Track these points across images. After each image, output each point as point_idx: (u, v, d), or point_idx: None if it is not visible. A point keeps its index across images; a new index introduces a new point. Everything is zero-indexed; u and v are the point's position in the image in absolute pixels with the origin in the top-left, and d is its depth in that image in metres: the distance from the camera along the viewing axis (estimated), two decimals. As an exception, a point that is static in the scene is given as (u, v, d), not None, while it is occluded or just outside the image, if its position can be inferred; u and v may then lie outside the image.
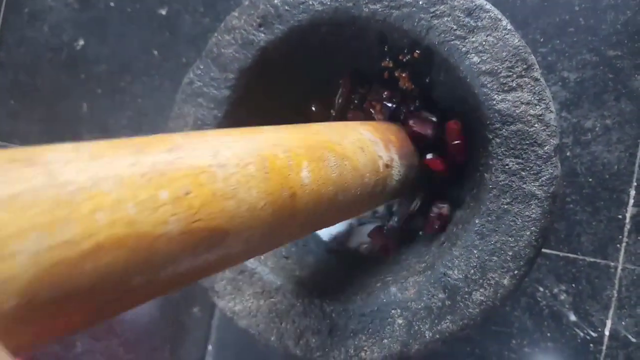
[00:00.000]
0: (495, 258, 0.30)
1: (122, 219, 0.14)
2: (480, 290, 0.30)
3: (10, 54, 0.64)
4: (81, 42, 0.61)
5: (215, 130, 0.21)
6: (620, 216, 0.43)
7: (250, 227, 0.19)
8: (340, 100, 0.41)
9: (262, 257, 0.36)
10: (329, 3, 0.34)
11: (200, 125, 0.37)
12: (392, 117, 0.39)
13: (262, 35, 0.36)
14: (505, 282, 0.30)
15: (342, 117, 0.41)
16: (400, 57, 0.36)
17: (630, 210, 0.43)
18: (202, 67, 0.37)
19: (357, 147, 0.28)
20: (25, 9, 0.63)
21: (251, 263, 0.35)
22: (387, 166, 0.31)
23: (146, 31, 0.58)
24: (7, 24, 0.64)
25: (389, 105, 0.39)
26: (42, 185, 0.13)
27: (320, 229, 0.31)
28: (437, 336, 0.30)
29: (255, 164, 0.20)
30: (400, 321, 0.31)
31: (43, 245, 0.12)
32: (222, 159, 0.18)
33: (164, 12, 0.57)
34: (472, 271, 0.30)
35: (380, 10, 0.34)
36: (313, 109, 0.41)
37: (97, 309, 0.15)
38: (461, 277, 0.30)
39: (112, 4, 0.59)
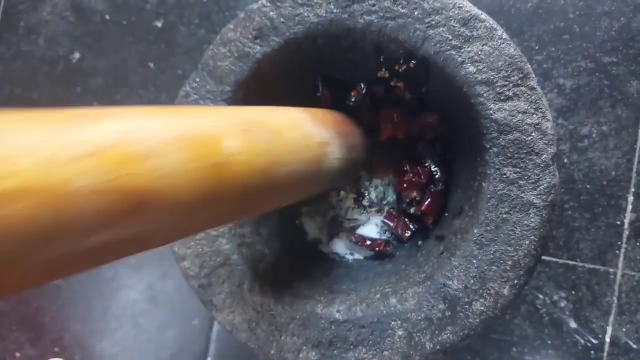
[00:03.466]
0: (494, 268, 0.30)
1: (36, 166, 0.14)
2: (480, 300, 0.30)
3: (6, 68, 0.64)
4: (77, 55, 0.61)
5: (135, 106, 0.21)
6: (618, 222, 0.43)
7: (171, 194, 0.18)
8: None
9: (261, 269, 0.35)
10: (324, 15, 0.35)
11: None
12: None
13: (258, 47, 0.36)
14: (505, 291, 0.30)
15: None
16: (397, 68, 0.36)
17: (628, 216, 0.43)
18: (198, 79, 0.37)
19: (286, 123, 0.28)
20: (21, 23, 0.63)
21: (249, 276, 0.35)
22: (321, 144, 0.30)
23: (142, 44, 0.58)
24: (3, 38, 0.64)
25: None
26: None
27: (262, 209, 0.31)
28: (438, 347, 0.30)
29: (174, 130, 0.19)
30: (400, 332, 0.31)
31: None
32: (136, 124, 0.18)
33: (159, 24, 0.57)
34: (472, 281, 0.30)
35: (375, 21, 0.34)
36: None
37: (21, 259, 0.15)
38: (461, 287, 0.30)
39: (107, 16, 0.59)
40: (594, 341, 0.43)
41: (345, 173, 0.34)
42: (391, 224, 0.41)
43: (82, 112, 0.17)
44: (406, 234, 0.40)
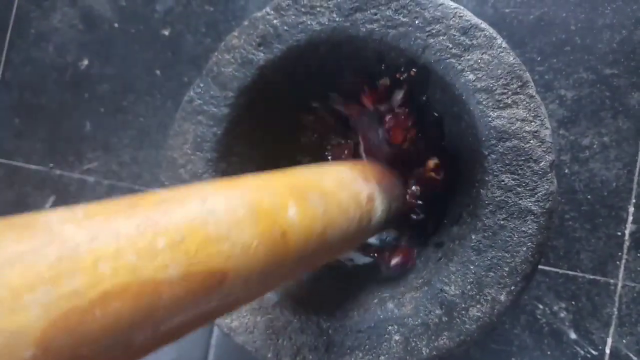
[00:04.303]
0: (491, 274, 0.30)
1: (124, 267, 0.15)
2: (477, 306, 0.30)
3: (15, 74, 0.65)
4: (85, 62, 0.62)
5: (199, 182, 0.22)
6: (619, 233, 0.43)
7: (247, 268, 0.20)
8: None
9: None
10: (326, 23, 0.35)
11: (199, 142, 0.37)
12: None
13: (262, 54, 0.37)
14: (502, 298, 0.30)
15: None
16: (398, 76, 0.36)
17: (629, 227, 0.43)
18: (202, 85, 0.38)
19: (336, 183, 0.29)
20: (32, 30, 0.64)
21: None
22: (369, 199, 0.31)
23: (149, 51, 0.59)
24: (14, 44, 0.65)
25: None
26: (43, 244, 0.14)
27: (313, 268, 0.32)
28: (434, 352, 0.30)
29: (243, 206, 0.21)
30: (397, 337, 0.31)
31: (52, 296, 0.13)
32: (210, 206, 0.19)
33: (166, 32, 0.58)
34: (469, 287, 0.30)
35: (377, 29, 0.34)
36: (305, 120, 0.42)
37: (112, 353, 0.15)
38: (458, 293, 0.30)
39: (116, 25, 0.60)
40: (594, 352, 0.42)
41: (387, 222, 0.35)
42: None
43: (162, 198, 0.19)
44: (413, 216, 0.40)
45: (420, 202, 0.40)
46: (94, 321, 0.14)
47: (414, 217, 0.40)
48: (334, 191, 0.28)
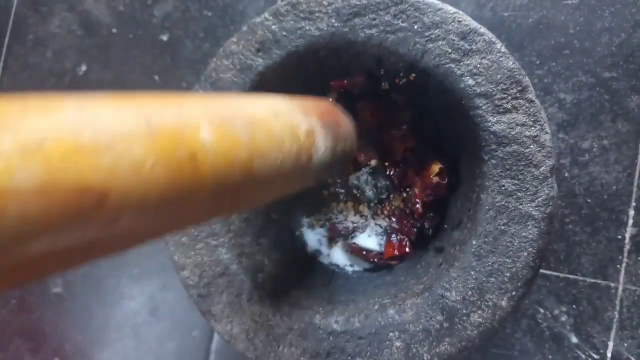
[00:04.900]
0: (492, 279, 0.30)
1: None
2: (478, 312, 0.30)
3: (14, 80, 0.65)
4: (84, 68, 0.62)
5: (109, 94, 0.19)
6: (619, 236, 0.43)
7: (138, 190, 0.17)
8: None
9: (260, 280, 0.36)
10: (325, 28, 0.35)
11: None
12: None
13: (260, 60, 0.36)
14: (503, 303, 0.30)
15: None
16: (397, 81, 0.36)
17: (629, 231, 0.43)
18: (200, 91, 0.38)
19: (268, 112, 0.26)
20: (30, 36, 0.64)
21: (248, 286, 0.35)
22: (309, 134, 0.29)
23: (148, 56, 0.59)
24: (12, 50, 0.65)
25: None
26: None
27: (243, 206, 0.29)
28: (436, 359, 0.30)
29: (136, 119, 0.17)
30: (398, 344, 0.31)
31: None
32: (88, 114, 0.16)
33: (165, 38, 0.58)
34: (470, 293, 0.30)
35: (375, 34, 0.34)
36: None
37: None
38: (459, 298, 0.30)
39: (114, 30, 0.60)
40: (595, 356, 0.42)
41: (334, 165, 0.32)
42: (396, 226, 0.41)
43: (35, 102, 0.16)
44: (413, 232, 0.40)
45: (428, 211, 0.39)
46: None
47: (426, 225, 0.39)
48: (263, 119, 0.25)
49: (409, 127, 0.40)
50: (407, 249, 0.39)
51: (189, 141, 0.19)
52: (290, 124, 0.27)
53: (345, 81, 0.39)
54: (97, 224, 0.16)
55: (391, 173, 0.41)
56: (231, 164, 0.21)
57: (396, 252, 0.39)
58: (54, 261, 0.16)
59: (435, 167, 0.38)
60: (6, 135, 0.14)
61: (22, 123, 0.14)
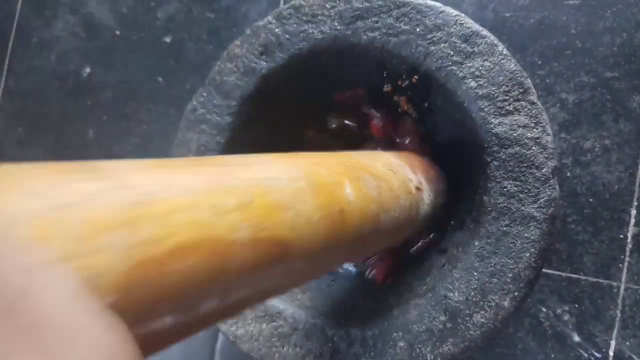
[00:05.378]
0: (495, 280, 0.30)
1: (199, 221, 0.14)
2: (481, 312, 0.30)
3: (18, 82, 0.65)
4: (87, 70, 0.62)
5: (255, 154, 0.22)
6: (621, 236, 0.43)
7: (309, 240, 0.19)
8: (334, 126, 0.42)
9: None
10: (328, 31, 0.35)
11: (203, 151, 0.38)
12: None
13: (264, 63, 0.37)
14: (506, 304, 0.30)
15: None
16: (399, 83, 0.37)
17: (631, 230, 0.43)
18: (205, 94, 0.38)
19: (387, 169, 0.29)
20: (34, 39, 0.64)
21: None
22: (417, 188, 0.31)
23: (151, 59, 0.59)
24: (16, 53, 0.65)
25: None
26: (112, 187, 0.13)
27: (366, 254, 0.31)
28: (439, 359, 0.30)
29: (304, 178, 0.20)
30: (401, 344, 0.31)
31: (130, 240, 0.12)
32: (274, 173, 0.19)
33: (168, 40, 0.59)
34: (473, 293, 0.30)
35: (378, 37, 0.34)
36: (309, 134, 0.42)
37: (185, 314, 0.14)
38: (462, 299, 0.31)
39: (117, 32, 0.61)
40: (598, 355, 0.43)
41: (432, 215, 0.35)
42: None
43: (225, 161, 0.18)
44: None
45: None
46: (170, 274, 0.13)
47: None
48: (385, 176, 0.28)
49: (420, 137, 0.40)
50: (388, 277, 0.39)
51: (339, 197, 0.22)
52: (404, 179, 0.30)
53: (348, 93, 0.39)
54: (281, 269, 0.18)
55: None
56: (365, 217, 0.24)
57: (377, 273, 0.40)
58: (247, 303, 0.18)
59: None
60: (229, 194, 0.16)
61: (230, 179, 0.17)
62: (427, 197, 0.33)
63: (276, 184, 0.18)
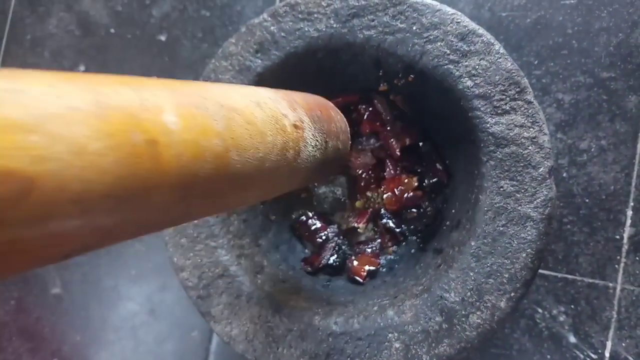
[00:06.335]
0: (491, 280, 0.30)
1: None
2: (477, 313, 0.30)
3: (11, 80, 0.64)
4: (82, 68, 0.62)
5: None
6: (617, 237, 0.43)
7: (79, 178, 0.14)
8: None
9: (259, 281, 0.36)
10: (324, 30, 0.35)
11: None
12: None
13: (259, 61, 0.36)
14: (502, 304, 0.30)
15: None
16: (395, 81, 0.36)
17: (627, 231, 0.43)
18: (199, 92, 0.38)
19: (250, 100, 0.23)
20: (28, 36, 0.64)
21: (248, 287, 0.35)
22: (295, 127, 0.26)
23: (146, 57, 0.59)
24: (10, 50, 0.64)
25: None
26: None
27: (222, 208, 0.25)
28: (435, 360, 0.30)
29: (82, 97, 0.15)
30: (397, 345, 0.31)
31: None
32: (22, 85, 0.13)
33: (163, 38, 0.58)
34: (469, 294, 0.30)
35: (374, 36, 0.34)
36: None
37: None
38: (458, 300, 0.30)
39: (112, 30, 0.60)
40: (594, 356, 0.42)
41: (325, 164, 0.30)
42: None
43: None
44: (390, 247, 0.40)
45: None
46: None
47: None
48: (242, 108, 0.22)
49: (406, 124, 0.40)
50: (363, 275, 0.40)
51: (147, 124, 0.16)
52: (275, 115, 0.25)
53: (340, 99, 0.39)
54: (23, 215, 0.13)
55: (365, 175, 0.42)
56: (201, 154, 0.18)
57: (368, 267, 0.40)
58: None
59: (412, 182, 0.39)
60: None
61: None
62: (310, 137, 0.27)
63: (15, 98, 0.13)
